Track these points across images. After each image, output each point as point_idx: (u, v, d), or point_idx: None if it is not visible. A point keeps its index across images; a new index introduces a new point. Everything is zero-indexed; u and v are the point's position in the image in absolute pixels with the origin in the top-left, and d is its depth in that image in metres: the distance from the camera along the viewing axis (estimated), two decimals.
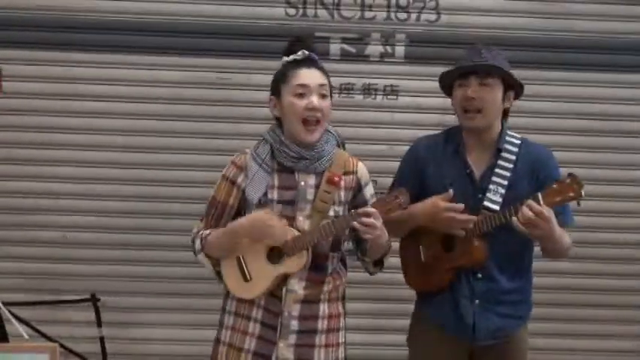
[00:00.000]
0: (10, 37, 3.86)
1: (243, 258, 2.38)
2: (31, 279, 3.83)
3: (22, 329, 2.48)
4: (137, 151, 3.92)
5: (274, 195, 2.36)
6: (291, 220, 2.34)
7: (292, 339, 2.34)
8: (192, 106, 3.89)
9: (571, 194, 2.32)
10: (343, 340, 2.47)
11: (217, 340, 2.47)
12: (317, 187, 2.36)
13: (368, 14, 3.90)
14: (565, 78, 3.94)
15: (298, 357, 2.34)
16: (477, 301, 2.58)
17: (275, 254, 2.35)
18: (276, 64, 3.70)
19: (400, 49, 3.91)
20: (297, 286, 2.34)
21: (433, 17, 3.91)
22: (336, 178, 2.35)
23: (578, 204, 2.38)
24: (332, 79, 3.70)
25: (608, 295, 4.02)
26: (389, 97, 3.91)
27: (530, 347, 3.83)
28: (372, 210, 2.24)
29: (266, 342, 2.35)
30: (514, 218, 2.37)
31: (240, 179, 2.41)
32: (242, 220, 2.36)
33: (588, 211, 3.83)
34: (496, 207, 2.50)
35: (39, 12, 3.86)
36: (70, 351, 2.81)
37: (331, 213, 2.35)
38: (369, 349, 3.81)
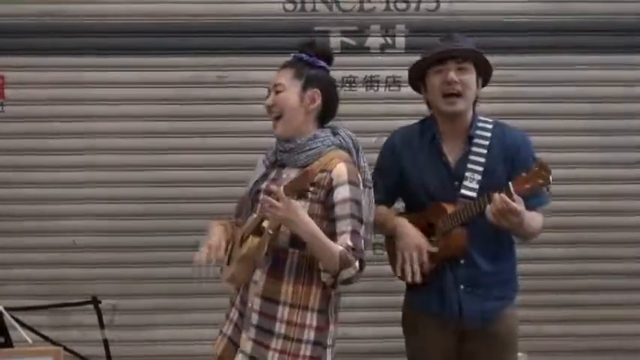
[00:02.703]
0: (12, 45, 3.83)
1: (232, 244, 2.45)
2: (34, 285, 3.80)
3: (25, 334, 2.41)
4: (140, 153, 3.88)
5: (264, 185, 2.42)
6: None
7: (252, 333, 2.31)
8: (194, 106, 3.85)
9: (540, 181, 2.31)
10: (307, 353, 2.29)
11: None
12: None
13: (367, 6, 3.86)
14: (565, 62, 3.88)
15: (253, 354, 2.29)
16: (461, 287, 2.58)
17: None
18: (276, 60, 3.74)
19: (401, 40, 3.87)
20: (259, 278, 2.33)
21: (433, 6, 3.87)
22: (308, 172, 2.27)
23: (547, 189, 2.39)
24: (333, 72, 3.73)
25: (611, 280, 3.95)
26: (391, 88, 3.86)
27: (539, 334, 3.91)
28: (276, 189, 2.22)
29: (237, 329, 2.38)
30: (488, 210, 2.37)
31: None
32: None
33: (586, 195, 3.92)
34: (473, 194, 2.50)
35: (38, 18, 3.83)
36: (75, 354, 2.73)
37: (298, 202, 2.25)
38: (378, 342, 3.81)
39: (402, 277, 2.64)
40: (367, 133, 3.53)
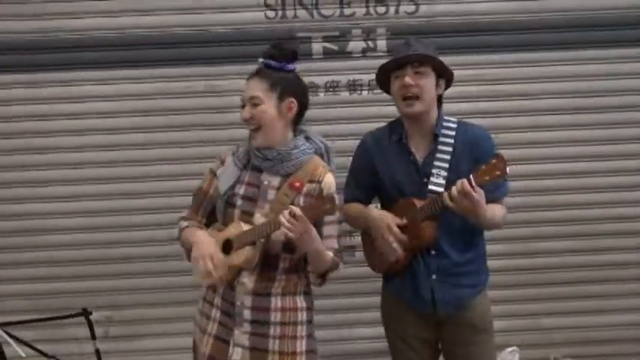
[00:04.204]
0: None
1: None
2: (28, 300, 3.77)
3: (19, 349, 2.36)
4: (129, 164, 3.85)
5: (241, 190, 2.46)
6: (250, 216, 2.42)
7: (247, 327, 2.40)
8: (184, 116, 3.83)
9: (497, 173, 2.38)
10: (304, 333, 2.47)
11: (195, 319, 2.57)
12: (279, 188, 2.43)
13: (347, 11, 3.85)
14: (544, 58, 3.87)
15: (253, 345, 2.40)
16: (433, 276, 2.67)
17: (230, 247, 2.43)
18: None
19: (382, 43, 3.85)
20: (247, 280, 2.40)
21: (412, 8, 3.85)
22: (297, 184, 2.41)
23: (505, 180, 2.55)
24: (316, 78, 3.76)
25: (603, 271, 3.94)
26: (374, 91, 3.79)
27: (534, 327, 3.91)
28: (297, 210, 2.25)
29: (225, 327, 2.43)
30: (446, 196, 2.45)
31: (219, 171, 2.53)
32: (193, 238, 2.47)
33: (577, 188, 3.91)
34: (440, 189, 2.58)
35: (21, 36, 3.79)
36: None
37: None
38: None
39: (380, 271, 2.82)
40: (352, 136, 3.54)
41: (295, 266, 2.48)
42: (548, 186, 3.89)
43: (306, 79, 3.69)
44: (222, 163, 2.53)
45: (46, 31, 3.78)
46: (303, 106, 2.50)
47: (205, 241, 2.41)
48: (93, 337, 2.76)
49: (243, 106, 2.46)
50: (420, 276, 2.67)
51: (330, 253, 2.43)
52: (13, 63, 3.78)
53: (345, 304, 3.89)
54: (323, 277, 2.49)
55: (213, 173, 2.55)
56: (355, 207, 2.80)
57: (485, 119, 3.62)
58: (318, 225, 2.38)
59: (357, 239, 3.39)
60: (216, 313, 2.46)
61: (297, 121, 2.50)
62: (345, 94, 3.86)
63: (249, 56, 3.59)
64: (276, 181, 2.43)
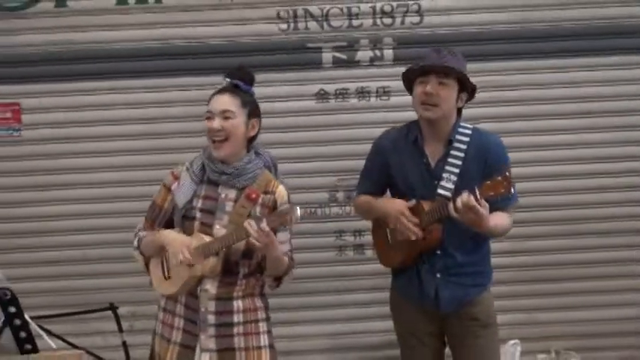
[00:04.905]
0: (25, 73, 3.90)
1: (165, 259, 2.53)
2: (57, 296, 3.86)
3: (51, 342, 2.47)
4: (149, 169, 3.91)
5: (198, 203, 2.49)
6: (209, 228, 2.46)
7: (211, 331, 2.45)
8: (201, 123, 3.81)
9: (502, 190, 2.39)
10: (265, 329, 2.55)
11: (154, 332, 2.60)
12: (236, 201, 2.48)
13: (355, 22, 3.92)
14: (547, 65, 3.95)
15: (219, 346, 2.45)
16: (438, 275, 2.71)
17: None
18: (274, 76, 3.80)
19: (389, 52, 3.93)
20: (210, 286, 2.46)
21: (417, 19, 3.92)
22: (254, 195, 2.47)
23: (510, 197, 2.48)
24: (326, 85, 3.86)
25: (598, 268, 4.01)
26: (382, 98, 3.92)
27: (533, 322, 3.96)
28: (265, 227, 2.30)
29: (190, 334, 2.47)
30: (451, 207, 2.45)
31: (173, 186, 2.55)
32: (162, 238, 2.49)
33: (574, 189, 3.97)
34: (448, 194, 2.60)
35: (46, 48, 3.90)
36: (96, 356, 2.78)
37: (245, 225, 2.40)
38: (383, 335, 3.84)
39: (389, 265, 2.85)
40: (361, 141, 3.63)
41: (254, 270, 2.54)
42: (546, 188, 3.95)
43: (317, 87, 3.90)
44: (176, 178, 2.55)
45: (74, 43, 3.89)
46: (260, 126, 2.57)
47: (179, 238, 2.45)
48: (120, 330, 2.84)
49: (208, 118, 2.47)
50: (425, 275, 2.71)
51: (286, 258, 2.50)
52: (72, 72, 3.90)
53: (355, 299, 3.96)
54: (279, 280, 2.55)
55: (167, 188, 2.56)
56: (365, 198, 2.85)
57: (491, 124, 3.67)
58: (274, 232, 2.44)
59: (367, 238, 3.51)
60: (179, 322, 2.49)
61: (252, 139, 2.55)
62: (354, 101, 3.93)
63: (263, 66, 3.79)
64: (232, 193, 2.48)
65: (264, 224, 2.29)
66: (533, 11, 3.90)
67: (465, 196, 2.40)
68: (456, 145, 2.66)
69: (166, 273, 2.52)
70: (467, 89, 2.69)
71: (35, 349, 2.24)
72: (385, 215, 2.72)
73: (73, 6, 3.88)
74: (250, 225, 2.30)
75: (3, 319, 2.15)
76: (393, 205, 2.69)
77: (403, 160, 2.73)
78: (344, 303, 3.97)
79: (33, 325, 2.26)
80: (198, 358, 2.44)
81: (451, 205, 2.45)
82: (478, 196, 2.39)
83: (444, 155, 2.67)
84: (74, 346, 2.32)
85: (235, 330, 2.47)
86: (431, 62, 2.64)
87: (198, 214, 2.48)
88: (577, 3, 3.90)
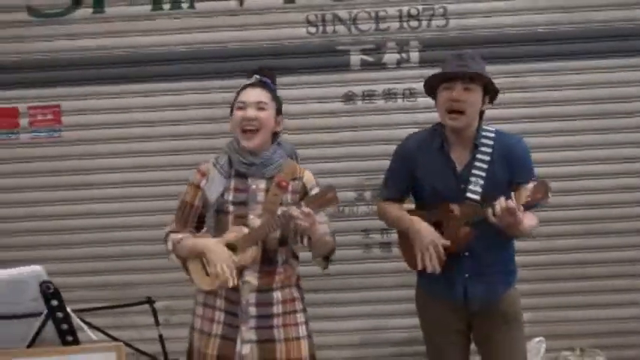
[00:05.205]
0: (66, 77, 3.99)
1: (205, 258, 2.51)
2: (97, 291, 3.94)
3: (92, 334, 2.53)
4: (183, 168, 3.90)
5: (230, 196, 2.54)
6: (244, 219, 2.51)
7: (252, 323, 2.50)
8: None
9: (538, 196, 2.45)
10: (303, 320, 2.61)
11: (192, 328, 2.64)
12: (267, 190, 2.53)
13: (382, 25, 3.95)
14: (570, 67, 3.94)
15: (260, 337, 2.50)
16: (466, 275, 2.70)
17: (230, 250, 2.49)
18: (304, 78, 3.86)
19: (415, 55, 3.95)
20: (251, 277, 2.50)
21: (442, 22, 3.94)
22: (284, 183, 2.53)
23: (546, 203, 2.51)
24: (354, 87, 3.90)
25: (623, 267, 3.99)
26: (408, 99, 3.94)
27: (558, 319, 3.95)
28: (306, 209, 2.37)
29: (230, 327, 2.52)
30: (489, 212, 2.48)
31: (202, 183, 2.59)
32: (201, 245, 2.51)
33: (597, 189, 3.96)
34: (477, 197, 2.62)
35: (86, 52, 3.99)
36: (134, 348, 2.85)
37: (279, 213, 2.46)
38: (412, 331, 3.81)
39: (416, 267, 2.77)
40: (387, 141, 3.68)
41: (290, 258, 2.60)
42: (571, 188, 3.95)
43: (345, 89, 3.95)
44: (203, 175, 2.59)
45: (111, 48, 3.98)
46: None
47: (218, 249, 2.46)
48: (157, 323, 2.89)
49: (240, 108, 2.53)
50: (454, 276, 2.69)
51: (329, 237, 2.56)
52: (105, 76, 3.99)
53: (380, 296, 4.00)
54: (327, 259, 2.61)
55: (196, 186, 2.60)
56: (395, 209, 2.81)
57: (517, 125, 3.71)
58: None
59: (393, 236, 3.54)
60: (220, 315, 2.53)
61: (276, 135, 2.62)
62: (380, 102, 3.96)
63: (293, 68, 3.86)
64: (262, 183, 2.53)
65: (306, 209, 2.35)
66: (562, 13, 3.91)
67: (503, 201, 2.42)
68: (482, 149, 2.66)
69: (207, 269, 2.53)
70: (490, 92, 2.68)
71: (76, 341, 2.28)
72: (417, 240, 2.66)
73: (111, 12, 3.96)
74: (293, 209, 2.37)
75: (46, 312, 2.14)
76: (430, 234, 2.63)
77: (429, 165, 2.72)
78: (371, 300, 4.00)
79: (74, 318, 2.31)
80: (239, 349, 2.48)
81: (489, 210, 2.47)
82: (513, 202, 2.41)
83: (470, 160, 2.67)
84: (114, 339, 2.37)
85: (275, 321, 2.52)
86: (454, 68, 2.62)
87: (231, 207, 2.52)
88: (605, 5, 3.90)
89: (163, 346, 3.13)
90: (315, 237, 2.48)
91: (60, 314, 2.16)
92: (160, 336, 3.09)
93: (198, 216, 2.63)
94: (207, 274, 2.51)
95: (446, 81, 2.64)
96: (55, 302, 2.13)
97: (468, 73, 2.60)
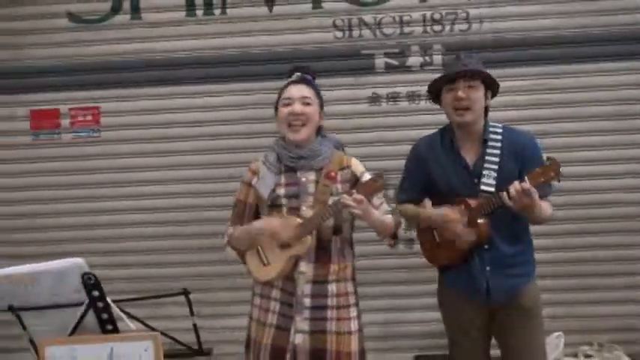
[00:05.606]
0: (105, 80, 4.11)
1: (261, 248, 2.60)
2: (134, 283, 4.02)
3: (130, 323, 2.59)
4: (216, 167, 4.08)
5: (281, 191, 2.58)
6: (297, 211, 2.55)
7: (306, 314, 2.53)
8: (263, 125, 3.94)
9: (552, 174, 2.51)
10: (355, 314, 2.61)
11: (250, 317, 2.69)
12: (317, 182, 2.57)
13: (406, 30, 4.00)
14: (588, 70, 3.97)
15: (313, 328, 2.53)
16: (487, 268, 2.74)
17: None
18: (331, 81, 3.89)
19: (438, 58, 4.00)
20: (307, 268, 2.54)
21: (465, 27, 4.00)
22: (333, 173, 2.57)
23: (559, 181, 2.57)
24: (379, 89, 3.94)
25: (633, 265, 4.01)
26: (431, 101, 3.91)
27: (576, 315, 3.95)
28: (355, 193, 2.42)
29: (285, 317, 2.55)
30: (505, 196, 2.55)
31: (254, 181, 2.65)
32: (256, 224, 2.60)
33: (620, 188, 3.98)
34: (491, 189, 2.67)
35: (126, 56, 4.10)
36: (169, 337, 2.94)
37: (330, 203, 2.51)
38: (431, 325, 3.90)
39: (436, 262, 2.88)
40: (411, 141, 3.56)
41: (346, 248, 2.62)
42: (588, 187, 3.97)
43: (370, 91, 4.01)
44: (254, 173, 2.65)
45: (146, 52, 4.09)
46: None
47: (272, 220, 2.53)
48: (191, 313, 2.95)
49: (286, 104, 2.57)
50: (475, 269, 2.73)
51: (390, 216, 2.61)
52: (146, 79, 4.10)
53: (400, 290, 4.05)
54: (394, 237, 2.66)
55: (247, 184, 2.67)
56: (412, 209, 2.87)
57: (533, 125, 3.69)
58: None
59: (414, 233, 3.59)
60: (275, 306, 2.56)
61: (320, 129, 2.67)
62: (404, 104, 4.02)
63: (320, 71, 3.74)
64: (312, 175, 2.57)
65: (358, 196, 2.40)
66: (567, 18, 3.95)
67: (517, 184, 2.50)
68: (491, 143, 2.73)
69: (265, 259, 2.59)
70: (490, 88, 2.77)
71: (116, 330, 2.33)
72: (438, 226, 2.77)
73: (147, 18, 4.08)
74: (345, 197, 2.42)
75: (87, 301, 2.19)
76: (447, 219, 2.71)
77: (442, 164, 2.79)
78: (395, 294, 4.04)
79: (114, 308, 2.35)
80: (292, 338, 2.51)
81: (505, 194, 2.54)
82: (527, 183, 2.49)
83: (481, 155, 2.73)
84: (151, 328, 2.46)
85: (329, 314, 2.54)
86: (456, 69, 2.72)
87: (284, 201, 2.56)
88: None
89: (197, 335, 3.21)
90: (370, 221, 2.52)
91: (101, 304, 2.22)
92: (194, 325, 3.17)
93: (254, 213, 2.69)
94: (265, 264, 2.58)
95: (449, 83, 2.74)
96: (96, 293, 2.20)
97: (468, 71, 2.69)
